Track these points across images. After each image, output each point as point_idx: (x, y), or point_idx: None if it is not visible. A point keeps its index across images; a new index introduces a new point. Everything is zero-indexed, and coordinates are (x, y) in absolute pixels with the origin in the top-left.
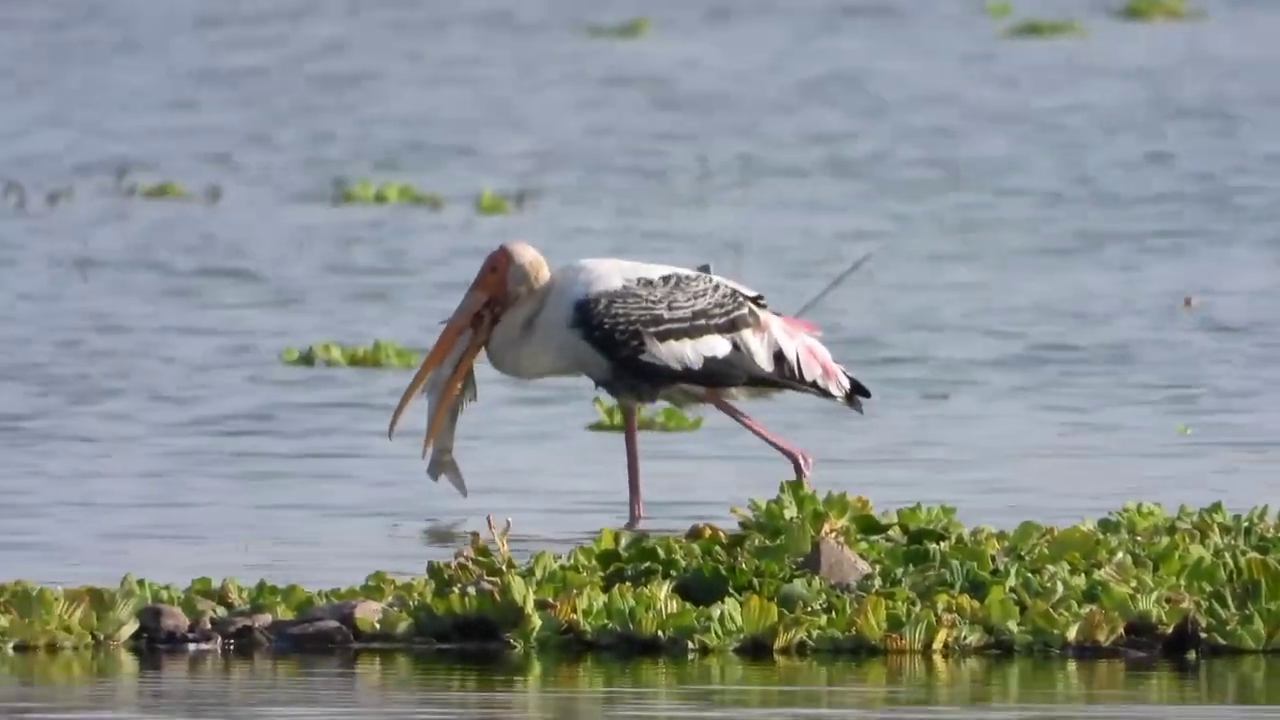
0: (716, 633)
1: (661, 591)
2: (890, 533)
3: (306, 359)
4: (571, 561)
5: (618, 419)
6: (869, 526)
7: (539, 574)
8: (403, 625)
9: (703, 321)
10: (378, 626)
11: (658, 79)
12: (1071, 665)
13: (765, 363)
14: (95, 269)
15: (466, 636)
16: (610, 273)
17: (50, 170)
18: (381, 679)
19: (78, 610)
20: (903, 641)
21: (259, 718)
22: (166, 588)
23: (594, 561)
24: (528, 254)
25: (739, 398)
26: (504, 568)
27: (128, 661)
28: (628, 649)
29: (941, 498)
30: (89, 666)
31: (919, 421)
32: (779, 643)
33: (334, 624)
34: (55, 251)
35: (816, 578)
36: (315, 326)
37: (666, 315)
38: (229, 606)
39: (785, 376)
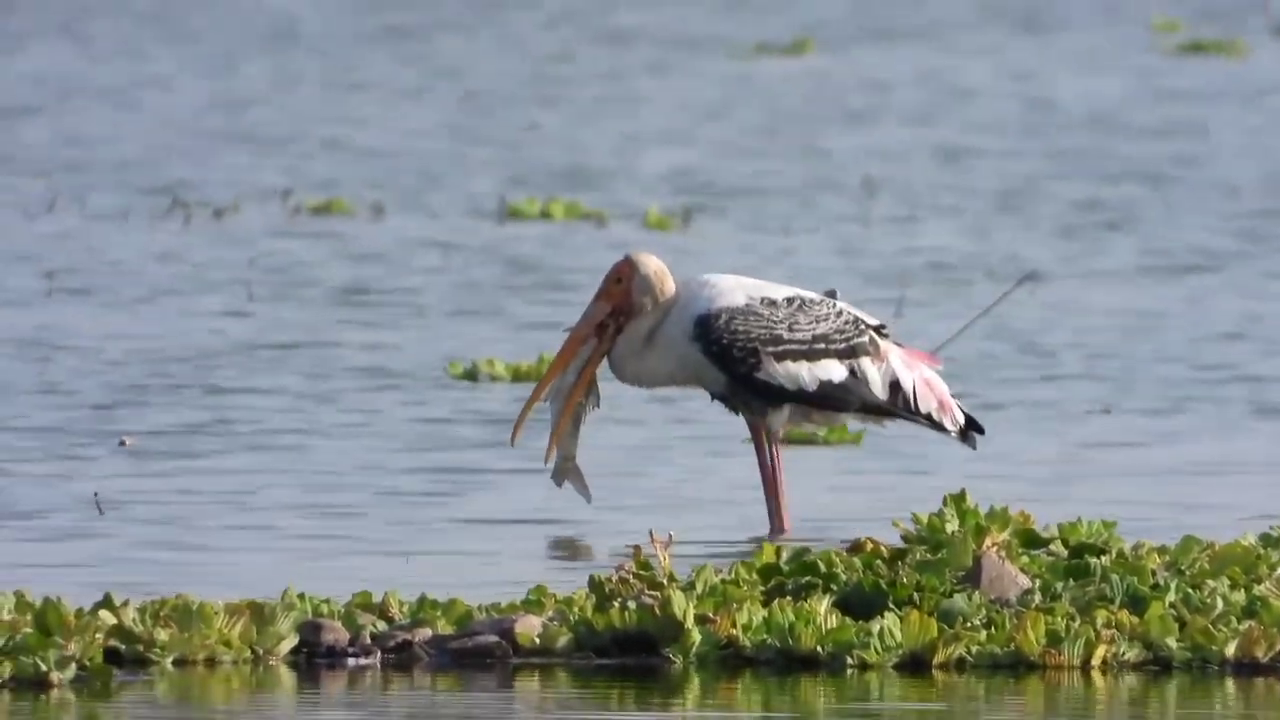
0: (876, 648)
1: (821, 606)
2: (1051, 547)
3: (470, 374)
4: (732, 576)
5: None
6: (1030, 540)
7: (700, 588)
8: (562, 640)
9: (822, 345)
10: (537, 641)
11: (824, 96)
12: (1230, 682)
13: (880, 391)
14: (260, 284)
15: (626, 651)
16: (734, 289)
17: (217, 186)
18: (541, 694)
19: (238, 624)
20: (1061, 657)
21: None
22: (327, 601)
23: (754, 576)
24: (652, 264)
25: (849, 425)
26: (665, 582)
27: (286, 676)
28: (787, 664)
29: (1109, 512)
30: (248, 681)
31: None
32: (938, 658)
33: (494, 638)
34: (222, 267)
35: (977, 592)
36: (481, 340)
37: (786, 335)
38: (389, 621)
39: (899, 406)
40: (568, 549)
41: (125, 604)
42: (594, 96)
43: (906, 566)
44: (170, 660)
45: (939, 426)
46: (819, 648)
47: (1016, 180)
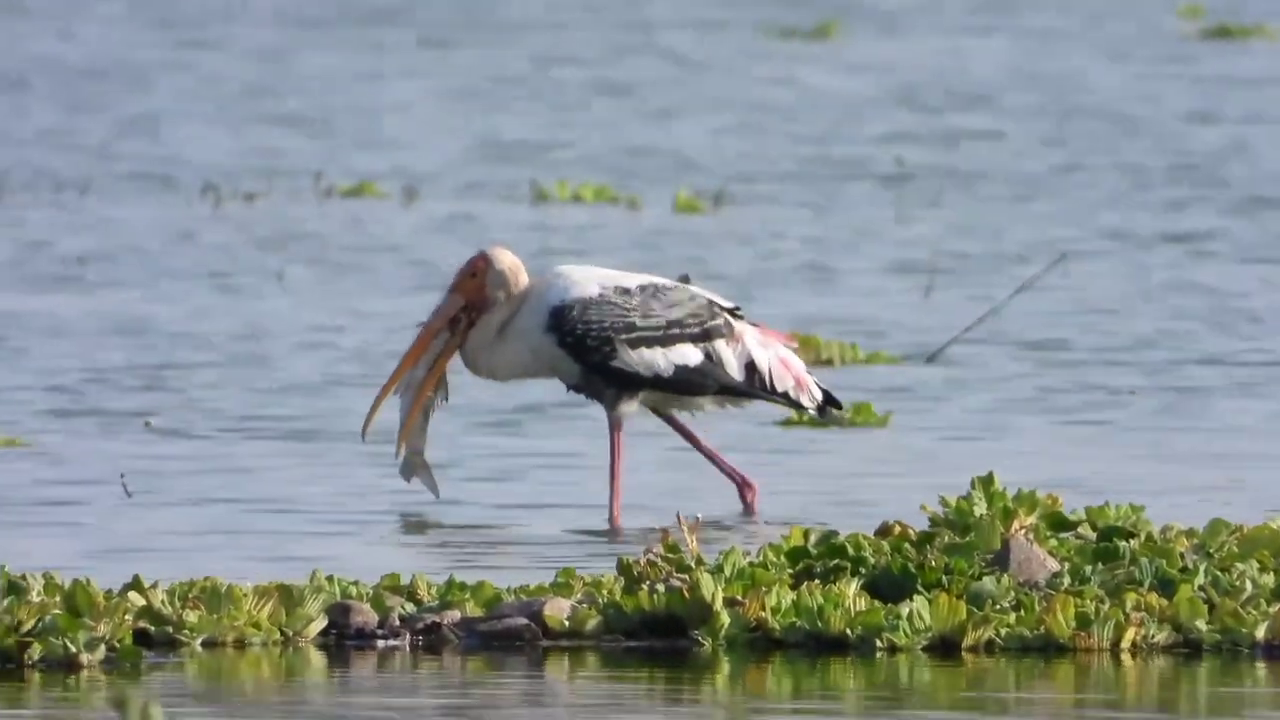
0: (905, 631)
1: (850, 589)
2: (1080, 530)
3: None
4: (760, 558)
5: (806, 415)
6: (1058, 524)
7: (728, 571)
8: (591, 622)
9: (676, 330)
10: (566, 624)
11: (851, 81)
12: (1259, 665)
13: (736, 372)
14: (294, 268)
15: (655, 634)
16: (587, 280)
17: (248, 170)
18: (570, 676)
19: (266, 606)
20: (1091, 640)
21: (447, 714)
22: (355, 583)
23: (783, 559)
24: (507, 259)
25: (705, 408)
26: (693, 564)
27: (316, 658)
28: (816, 647)
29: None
30: (277, 663)
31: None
32: (967, 641)
33: (523, 621)
34: (254, 250)
35: (1005, 575)
36: None
37: (640, 323)
38: (418, 603)
39: (756, 386)
40: (597, 532)
41: (154, 586)
42: (624, 80)
43: (935, 550)
44: (199, 642)
45: (797, 405)
46: (848, 630)
47: (1046, 165)
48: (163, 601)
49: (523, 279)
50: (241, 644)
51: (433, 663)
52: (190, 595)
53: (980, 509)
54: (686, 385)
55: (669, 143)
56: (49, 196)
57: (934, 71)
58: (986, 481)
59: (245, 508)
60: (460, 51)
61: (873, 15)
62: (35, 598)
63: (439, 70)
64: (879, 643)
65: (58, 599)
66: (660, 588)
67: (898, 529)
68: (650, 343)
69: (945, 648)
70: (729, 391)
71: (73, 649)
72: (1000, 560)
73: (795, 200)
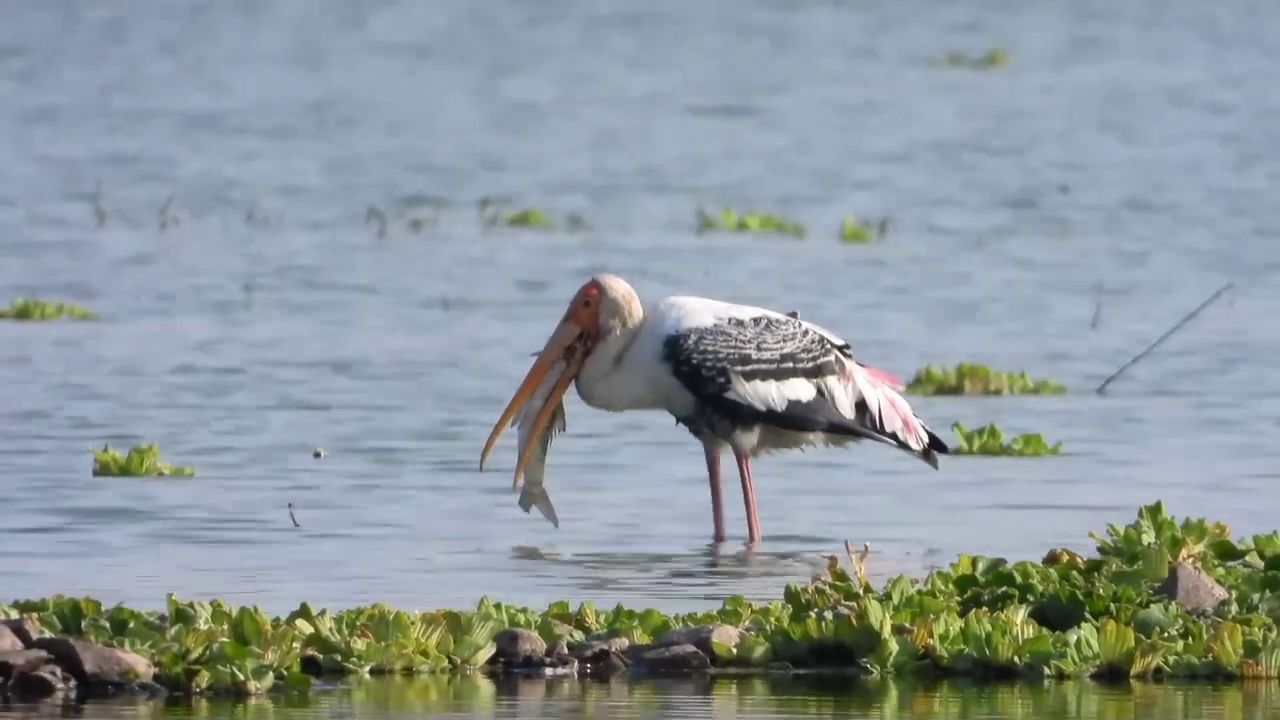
0: (1073, 658)
1: (1018, 617)
2: (1247, 558)
3: None
4: (929, 586)
5: (976, 444)
6: (1226, 552)
7: (896, 599)
8: (759, 650)
9: (790, 365)
10: (734, 651)
11: (1018, 109)
12: None
13: (847, 410)
14: (460, 297)
15: (823, 661)
16: (701, 310)
17: (417, 196)
18: (738, 704)
19: (434, 634)
20: (1259, 668)
21: None
22: (523, 611)
23: (951, 586)
24: (620, 288)
25: (815, 444)
26: (861, 592)
27: (484, 686)
28: (984, 675)
29: None
30: (445, 691)
31: None
32: (1135, 668)
33: (690, 648)
34: (420, 278)
35: (1173, 603)
36: None
37: (754, 355)
38: (586, 630)
39: (865, 425)
40: (766, 560)
41: (323, 613)
42: (787, 106)
43: (1103, 578)
44: (367, 669)
45: (904, 445)
46: (1016, 658)
47: (1216, 192)
48: (331, 629)
49: (636, 308)
50: (409, 671)
51: (600, 690)
52: (358, 623)
53: (1148, 537)
54: (799, 421)
55: (834, 170)
56: (216, 223)
57: (1101, 99)
58: (1154, 510)
59: (408, 535)
60: (614, 78)
61: (1040, 44)
62: (203, 625)
63: (598, 97)
64: (1047, 670)
65: (226, 627)
66: (828, 615)
67: (1066, 557)
68: (764, 375)
69: (1113, 675)
70: (838, 429)
71: (241, 677)
72: (1168, 588)
73: (961, 227)
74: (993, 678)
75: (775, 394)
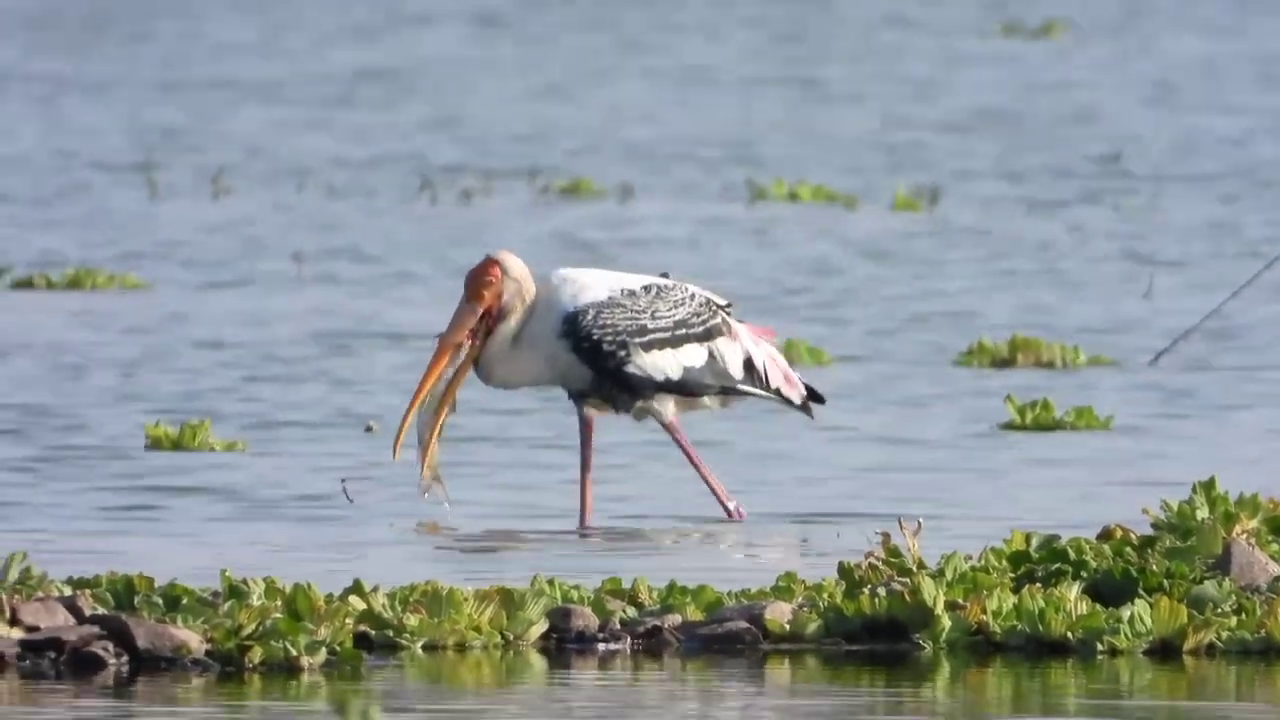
0: (1126, 634)
1: (1071, 593)
2: None
3: None
4: (982, 562)
5: (1029, 418)
6: None
7: (949, 575)
8: (812, 626)
9: (683, 331)
10: (787, 627)
11: (1073, 79)
12: None
13: (737, 371)
14: None
15: (876, 637)
16: (595, 283)
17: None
18: (791, 680)
19: (487, 610)
20: None
21: (668, 718)
22: (576, 587)
23: (1004, 563)
24: (518, 265)
25: (707, 407)
26: (914, 569)
27: (537, 662)
28: (1037, 650)
29: None
30: (498, 666)
31: None
32: (1188, 644)
33: (743, 625)
34: (472, 249)
35: (1227, 579)
36: None
37: (650, 325)
38: (639, 606)
39: (754, 384)
40: (819, 536)
41: (375, 589)
42: (835, 76)
43: (1156, 553)
44: (420, 645)
45: (788, 400)
46: (1069, 634)
47: (1264, 159)
48: (384, 605)
49: (531, 285)
50: (462, 647)
51: (653, 666)
52: (411, 599)
53: (1202, 513)
54: (694, 387)
55: (884, 140)
56: (269, 191)
57: (1155, 69)
58: (1208, 485)
59: (462, 510)
60: (659, 47)
61: (1095, 15)
62: (256, 601)
63: (655, 62)
64: (1100, 646)
65: (279, 603)
66: (881, 591)
67: (1119, 533)
68: (661, 344)
69: (1165, 651)
70: (729, 391)
71: (294, 652)
72: (1221, 564)
73: (1012, 198)
74: (1045, 653)
75: (672, 362)
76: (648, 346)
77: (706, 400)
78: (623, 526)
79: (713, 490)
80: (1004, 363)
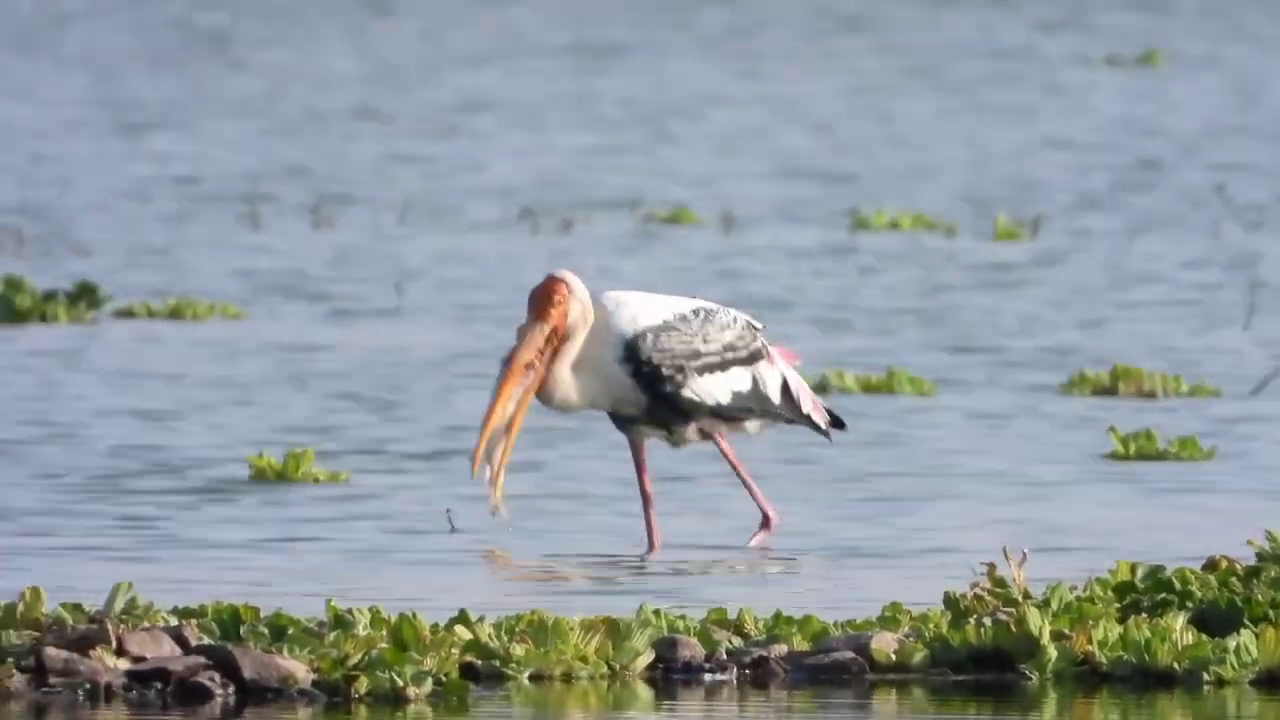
0: (1232, 664)
1: (1177, 623)
2: None
3: (820, 387)
4: (1087, 592)
5: (1132, 448)
6: None
7: (1055, 605)
8: (918, 656)
9: (730, 354)
10: (893, 657)
11: (1174, 108)
12: None
13: (776, 395)
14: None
15: (981, 667)
16: (648, 306)
17: (568, 196)
18: (897, 710)
19: (594, 640)
20: None
21: None
22: (682, 617)
23: (1110, 593)
24: (581, 285)
25: (750, 432)
26: (1020, 599)
27: (643, 692)
28: (1143, 681)
29: None
30: (604, 697)
31: None
32: None
33: (849, 655)
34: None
35: None
36: (823, 353)
37: (702, 349)
38: (745, 636)
39: (789, 408)
40: (922, 566)
41: (481, 619)
42: (938, 105)
43: (1261, 584)
44: (526, 675)
45: (816, 426)
46: (1175, 664)
47: None
48: (490, 635)
49: (590, 306)
50: (568, 677)
51: (759, 696)
52: (517, 629)
53: None
54: (739, 411)
55: (985, 169)
56: (370, 221)
57: (1261, 97)
58: None
59: (564, 540)
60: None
61: (1196, 45)
62: (362, 631)
63: (758, 90)
64: (1206, 676)
65: (384, 632)
66: (987, 622)
67: (1224, 563)
68: (712, 368)
69: (1272, 681)
70: (768, 414)
71: (399, 683)
72: None
73: (1114, 227)
74: (1152, 684)
75: (722, 386)
76: (701, 370)
77: (748, 425)
78: (698, 556)
79: (754, 495)
80: (1106, 392)
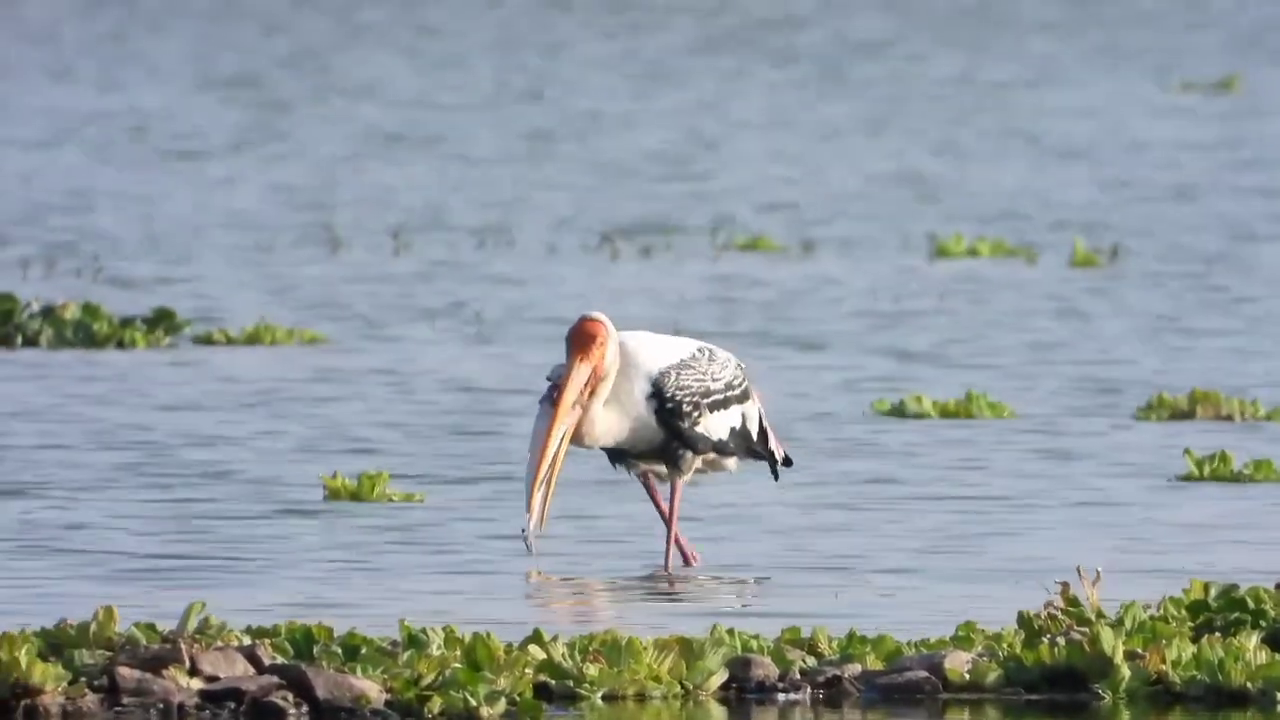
0: None
1: (1251, 642)
2: None
3: (898, 410)
4: (1161, 612)
5: (1207, 470)
6: None
7: (1128, 624)
8: (992, 675)
9: (729, 393)
10: (967, 677)
11: (1250, 135)
12: None
13: (755, 432)
14: (687, 320)
15: (1055, 687)
16: (662, 345)
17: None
18: None
19: (667, 659)
20: None
21: None
22: (756, 637)
23: (1183, 612)
24: (612, 325)
25: (730, 469)
26: (1094, 618)
27: (716, 712)
28: (1216, 700)
29: None
30: (678, 716)
31: None
32: None
33: (923, 674)
34: (652, 306)
35: None
36: (899, 376)
37: (711, 387)
38: (819, 656)
39: (763, 446)
40: (996, 585)
41: (554, 639)
42: (1008, 131)
43: None
44: (600, 695)
45: (774, 463)
46: (1249, 684)
47: None
48: (563, 655)
49: (618, 347)
50: (642, 697)
51: (833, 716)
52: (591, 648)
53: None
54: (729, 448)
55: (1063, 195)
56: (449, 247)
57: None
58: None
59: (637, 560)
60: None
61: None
62: (435, 651)
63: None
64: (1279, 696)
65: (458, 652)
66: (1061, 641)
67: None
68: (718, 406)
69: None
70: (750, 452)
71: (473, 702)
72: None
73: (1192, 252)
74: (1225, 703)
75: (722, 423)
76: (711, 408)
77: (729, 462)
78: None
79: (677, 542)
80: (1183, 416)
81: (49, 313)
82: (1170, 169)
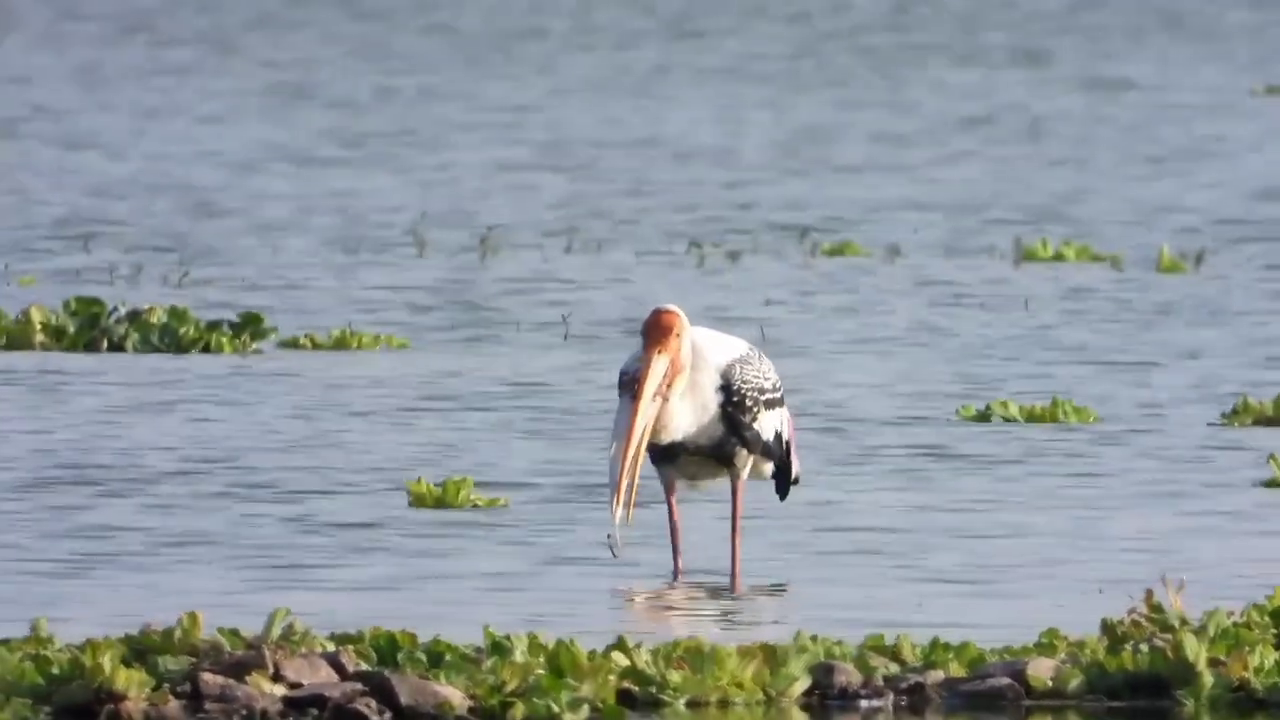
0: None
1: None
2: None
3: (983, 415)
4: (1244, 619)
5: None
6: None
7: (1212, 631)
8: (1075, 682)
9: (775, 395)
10: (1050, 684)
11: None
12: None
13: (786, 436)
14: (770, 327)
15: (1137, 694)
16: (723, 340)
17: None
18: None
19: (750, 666)
20: None
21: None
22: (839, 643)
23: (1267, 619)
24: (685, 318)
25: (764, 475)
26: (1177, 625)
27: (799, 718)
28: None
29: None
30: None
31: None
32: None
33: (1006, 681)
34: (733, 309)
35: None
36: (988, 380)
37: (767, 385)
38: (902, 663)
39: (787, 453)
40: (1078, 592)
41: (638, 646)
42: (1090, 136)
43: None
44: (683, 702)
45: (789, 477)
46: None
47: None
48: (647, 662)
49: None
50: (725, 704)
51: None
52: (674, 655)
53: None
54: (771, 451)
55: (1147, 200)
56: (535, 251)
57: None
58: None
59: (719, 568)
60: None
61: None
62: (519, 658)
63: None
64: None
65: (542, 659)
66: (1144, 648)
67: None
68: (770, 405)
69: None
70: (781, 457)
71: (556, 709)
72: None
73: (1276, 258)
74: None
75: (771, 424)
76: (767, 405)
77: (767, 469)
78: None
79: (735, 556)
80: (1269, 422)
81: (135, 317)
82: (1258, 173)
